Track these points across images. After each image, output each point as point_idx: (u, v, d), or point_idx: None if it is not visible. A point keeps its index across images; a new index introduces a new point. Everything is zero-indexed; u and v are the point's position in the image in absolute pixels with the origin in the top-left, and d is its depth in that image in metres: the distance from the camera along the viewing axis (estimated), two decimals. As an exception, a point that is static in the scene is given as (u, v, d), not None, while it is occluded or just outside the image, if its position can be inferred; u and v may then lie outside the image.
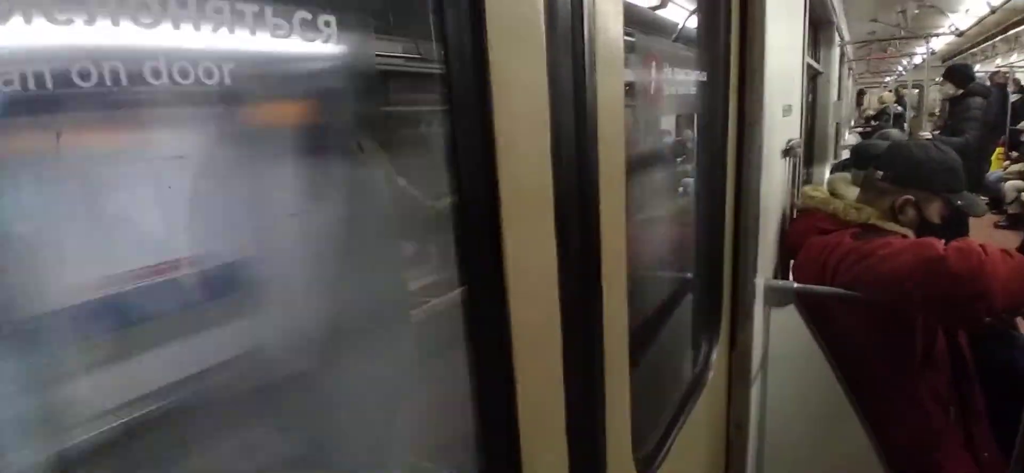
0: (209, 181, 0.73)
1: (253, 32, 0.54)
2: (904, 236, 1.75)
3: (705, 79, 1.47)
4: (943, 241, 1.58)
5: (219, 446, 0.83)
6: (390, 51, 1.28)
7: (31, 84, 0.43)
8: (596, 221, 0.84)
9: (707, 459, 1.60)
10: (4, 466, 0.61)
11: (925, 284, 1.51)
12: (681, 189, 1.98)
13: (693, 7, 1.55)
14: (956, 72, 6.18)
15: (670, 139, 2.05)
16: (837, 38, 4.61)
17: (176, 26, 0.48)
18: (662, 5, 1.68)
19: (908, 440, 1.74)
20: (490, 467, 0.75)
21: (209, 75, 0.52)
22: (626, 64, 0.95)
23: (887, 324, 1.72)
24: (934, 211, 1.82)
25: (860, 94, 12.64)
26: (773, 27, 1.59)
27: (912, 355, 1.73)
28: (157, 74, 0.49)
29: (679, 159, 2.06)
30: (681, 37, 1.57)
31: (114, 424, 0.74)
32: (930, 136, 6.45)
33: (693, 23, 1.54)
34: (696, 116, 1.57)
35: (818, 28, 4.15)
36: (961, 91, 5.84)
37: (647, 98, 1.23)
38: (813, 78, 4.16)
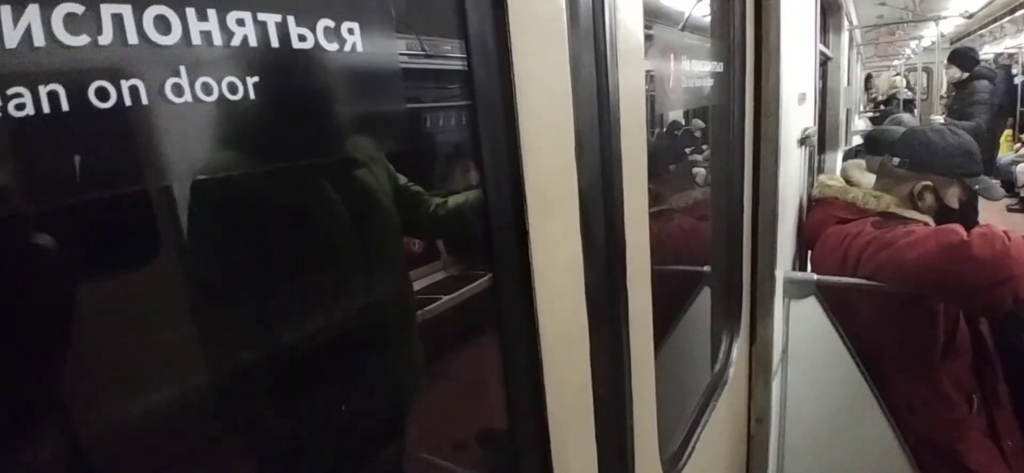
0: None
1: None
2: (925, 223, 1.72)
3: (720, 69, 1.44)
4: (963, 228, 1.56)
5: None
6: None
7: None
8: (620, 218, 0.83)
9: (729, 453, 1.59)
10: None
11: (949, 271, 1.49)
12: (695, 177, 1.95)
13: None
14: (961, 55, 6.06)
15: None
16: (846, 23, 4.56)
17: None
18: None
19: (931, 430, 1.72)
20: (523, 466, 0.74)
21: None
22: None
23: (908, 313, 1.70)
24: (952, 196, 1.80)
25: (868, 78, 12.50)
26: (786, 14, 1.56)
27: (934, 344, 1.71)
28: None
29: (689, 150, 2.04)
30: (693, 27, 1.54)
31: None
32: (942, 120, 6.36)
33: (706, 12, 1.52)
34: (711, 107, 1.55)
35: (827, 14, 4.10)
36: (967, 74, 5.75)
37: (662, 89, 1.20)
38: (823, 64, 4.11)
